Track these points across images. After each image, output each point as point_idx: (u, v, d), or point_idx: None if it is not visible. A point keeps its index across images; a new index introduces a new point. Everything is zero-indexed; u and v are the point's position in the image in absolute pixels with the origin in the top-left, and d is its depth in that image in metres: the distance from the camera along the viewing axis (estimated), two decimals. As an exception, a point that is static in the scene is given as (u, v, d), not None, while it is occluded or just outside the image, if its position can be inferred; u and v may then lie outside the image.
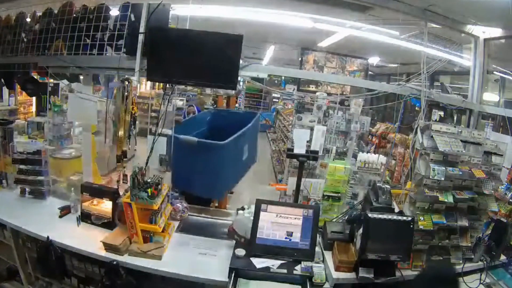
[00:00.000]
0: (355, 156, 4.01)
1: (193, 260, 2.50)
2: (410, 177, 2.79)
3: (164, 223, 2.62)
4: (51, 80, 3.45)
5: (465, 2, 3.19)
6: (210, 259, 2.53)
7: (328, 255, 2.56)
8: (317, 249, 2.57)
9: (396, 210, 2.49)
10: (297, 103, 5.43)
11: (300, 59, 7.21)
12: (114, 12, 3.02)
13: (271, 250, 2.52)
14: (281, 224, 2.60)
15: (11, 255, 2.97)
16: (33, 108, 7.78)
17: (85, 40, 3.07)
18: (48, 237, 2.51)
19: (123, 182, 3.13)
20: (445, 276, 2.03)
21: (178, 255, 2.55)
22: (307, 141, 3.14)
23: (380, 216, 2.26)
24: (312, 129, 3.77)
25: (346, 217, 2.80)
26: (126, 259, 2.42)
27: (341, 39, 5.33)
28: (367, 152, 3.53)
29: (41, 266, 2.66)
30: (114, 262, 2.36)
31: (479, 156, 2.58)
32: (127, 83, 3.62)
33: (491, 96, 4.46)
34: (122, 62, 2.94)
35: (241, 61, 2.93)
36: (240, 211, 2.78)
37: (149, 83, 9.71)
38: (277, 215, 2.61)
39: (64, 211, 2.94)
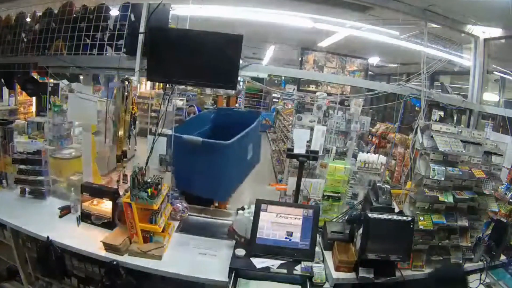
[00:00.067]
0: (355, 156, 4.00)
1: (193, 260, 2.50)
2: (410, 177, 2.79)
3: (164, 223, 2.62)
4: (51, 80, 3.45)
5: (465, 2, 3.19)
6: (210, 259, 2.53)
7: (328, 255, 2.56)
8: (317, 249, 2.57)
9: (396, 210, 2.49)
10: (297, 103, 5.42)
11: (300, 59, 7.21)
12: (114, 12, 3.03)
13: (271, 250, 2.52)
14: (281, 224, 2.60)
15: (11, 255, 2.97)
16: (33, 108, 7.79)
17: (85, 40, 3.07)
18: (48, 237, 2.51)
19: (123, 182, 3.13)
20: (454, 276, 2.04)
21: (178, 255, 2.55)
22: (307, 141, 3.14)
23: (380, 216, 2.26)
24: (312, 129, 3.77)
25: (346, 217, 2.80)
26: (126, 259, 2.42)
27: (341, 39, 5.33)
28: (367, 152, 3.52)
29: (41, 266, 2.66)
30: (114, 262, 2.36)
31: (479, 156, 2.58)
32: (127, 83, 3.62)
33: (491, 96, 4.46)
34: (122, 62, 2.94)
35: (241, 61, 2.93)
36: (240, 211, 2.78)
37: (149, 83, 9.71)
38: (277, 215, 2.61)
39: (64, 211, 2.94)
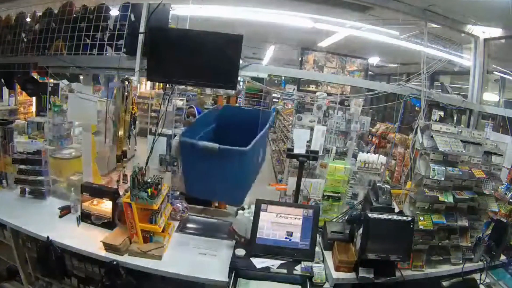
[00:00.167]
0: (355, 156, 4.01)
1: (193, 260, 2.50)
2: (410, 177, 2.79)
3: (164, 223, 2.62)
4: (51, 80, 3.45)
5: (465, 2, 3.19)
6: (210, 259, 2.53)
7: (328, 255, 2.55)
8: (317, 249, 2.57)
9: (396, 210, 2.49)
10: (297, 103, 5.43)
11: (300, 59, 7.22)
12: (114, 12, 3.03)
13: (271, 250, 2.52)
14: (281, 224, 2.60)
15: (11, 255, 2.97)
16: (33, 108, 7.80)
17: (85, 40, 3.07)
18: (48, 237, 2.51)
19: (123, 182, 3.13)
20: None
21: (178, 255, 2.55)
22: (307, 141, 3.14)
23: (380, 216, 2.26)
24: (312, 129, 3.78)
25: (346, 217, 2.80)
26: (126, 259, 2.42)
27: (341, 39, 5.33)
28: (367, 152, 3.53)
29: (41, 266, 2.67)
30: (114, 262, 2.36)
31: (479, 156, 2.58)
32: (127, 83, 3.63)
33: (491, 96, 4.46)
34: (122, 62, 2.94)
35: (241, 61, 2.93)
36: (240, 211, 2.77)
37: (149, 83, 9.71)
38: (277, 215, 2.61)
39: (64, 211, 2.94)
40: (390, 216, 2.27)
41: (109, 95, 3.87)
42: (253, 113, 3.85)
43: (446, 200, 2.47)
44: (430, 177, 2.45)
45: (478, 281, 2.49)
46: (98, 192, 2.90)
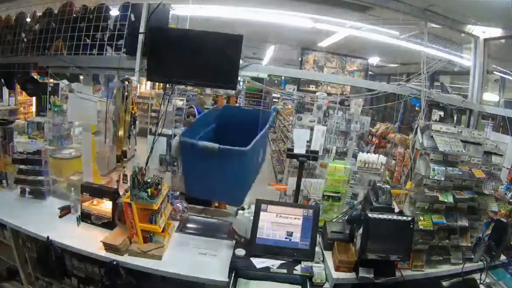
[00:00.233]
0: (355, 156, 4.01)
1: (193, 260, 2.50)
2: (410, 177, 2.79)
3: (164, 223, 2.62)
4: (51, 80, 3.45)
5: (465, 2, 3.19)
6: (210, 259, 2.53)
7: (328, 255, 2.55)
8: (317, 249, 2.57)
9: (396, 210, 2.49)
10: (297, 103, 5.43)
11: (300, 59, 7.22)
12: (114, 12, 3.03)
13: (271, 250, 2.52)
14: (281, 224, 2.60)
15: (11, 255, 2.97)
16: (33, 108, 7.80)
17: (85, 40, 3.07)
18: (48, 237, 2.51)
19: (123, 182, 3.13)
20: None
21: (178, 255, 2.55)
22: (307, 141, 3.14)
23: (380, 216, 2.26)
24: (312, 129, 3.78)
25: (346, 217, 2.80)
26: (126, 259, 2.42)
27: (341, 39, 5.33)
28: (367, 152, 3.53)
29: (41, 266, 2.67)
30: (114, 262, 2.36)
31: (479, 156, 2.58)
32: (127, 83, 3.63)
33: (491, 96, 4.47)
34: (122, 62, 2.94)
35: (241, 61, 2.93)
36: (240, 211, 2.77)
37: (149, 83, 9.71)
38: (277, 215, 2.61)
39: (64, 211, 2.94)
40: (390, 216, 2.27)
41: (109, 95, 3.87)
42: (253, 113, 3.84)
43: (446, 200, 2.47)
44: (430, 177, 2.45)
45: (478, 281, 2.49)
46: (98, 192, 2.90)
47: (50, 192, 3.25)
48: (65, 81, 3.46)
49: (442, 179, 2.43)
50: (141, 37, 2.88)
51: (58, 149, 4.98)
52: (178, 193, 3.20)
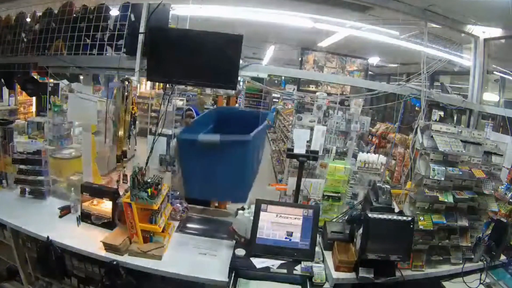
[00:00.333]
0: (355, 156, 4.01)
1: (193, 260, 2.50)
2: (410, 177, 2.79)
3: (164, 223, 2.62)
4: (51, 80, 3.45)
5: (465, 2, 3.19)
6: (210, 259, 2.53)
7: (328, 255, 2.55)
8: (317, 249, 2.57)
9: (396, 210, 2.49)
10: (297, 103, 5.43)
11: (300, 59, 7.22)
12: (114, 12, 3.03)
13: (271, 250, 2.52)
14: (281, 224, 2.60)
15: (11, 255, 2.97)
16: (33, 108, 7.79)
17: (85, 40, 3.07)
18: (48, 237, 2.51)
19: (123, 182, 3.14)
20: None
21: (178, 255, 2.55)
22: (307, 141, 3.14)
23: (380, 216, 2.26)
24: (312, 129, 3.77)
25: (346, 217, 2.80)
26: (126, 259, 2.42)
27: (341, 39, 5.33)
28: (367, 152, 3.53)
29: (41, 266, 2.67)
30: (114, 262, 2.36)
31: (479, 156, 2.58)
32: (127, 83, 3.62)
33: (491, 96, 4.46)
34: (122, 62, 2.94)
35: (241, 61, 2.93)
36: (240, 211, 2.77)
37: (149, 83, 9.71)
38: (277, 215, 2.61)
39: (64, 211, 2.94)
40: (390, 216, 2.27)
41: (109, 95, 3.87)
42: (250, 113, 3.84)
43: (446, 200, 2.47)
44: (430, 177, 2.45)
45: (478, 281, 2.49)
46: (98, 192, 2.90)
47: (50, 192, 3.25)
48: (65, 81, 3.46)
49: (442, 179, 2.44)
50: (141, 37, 2.88)
51: (58, 149, 4.99)
52: (178, 193, 3.20)
